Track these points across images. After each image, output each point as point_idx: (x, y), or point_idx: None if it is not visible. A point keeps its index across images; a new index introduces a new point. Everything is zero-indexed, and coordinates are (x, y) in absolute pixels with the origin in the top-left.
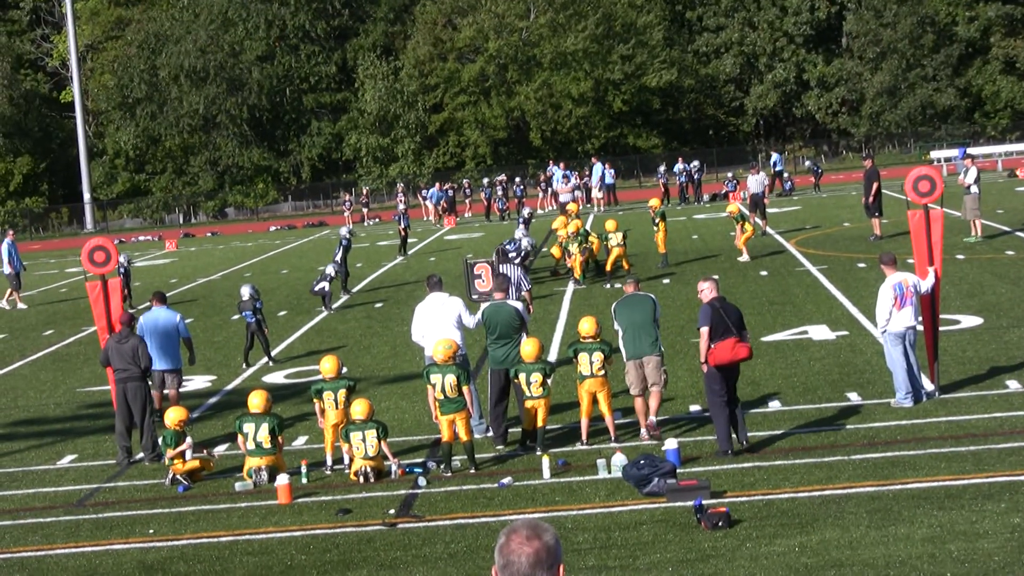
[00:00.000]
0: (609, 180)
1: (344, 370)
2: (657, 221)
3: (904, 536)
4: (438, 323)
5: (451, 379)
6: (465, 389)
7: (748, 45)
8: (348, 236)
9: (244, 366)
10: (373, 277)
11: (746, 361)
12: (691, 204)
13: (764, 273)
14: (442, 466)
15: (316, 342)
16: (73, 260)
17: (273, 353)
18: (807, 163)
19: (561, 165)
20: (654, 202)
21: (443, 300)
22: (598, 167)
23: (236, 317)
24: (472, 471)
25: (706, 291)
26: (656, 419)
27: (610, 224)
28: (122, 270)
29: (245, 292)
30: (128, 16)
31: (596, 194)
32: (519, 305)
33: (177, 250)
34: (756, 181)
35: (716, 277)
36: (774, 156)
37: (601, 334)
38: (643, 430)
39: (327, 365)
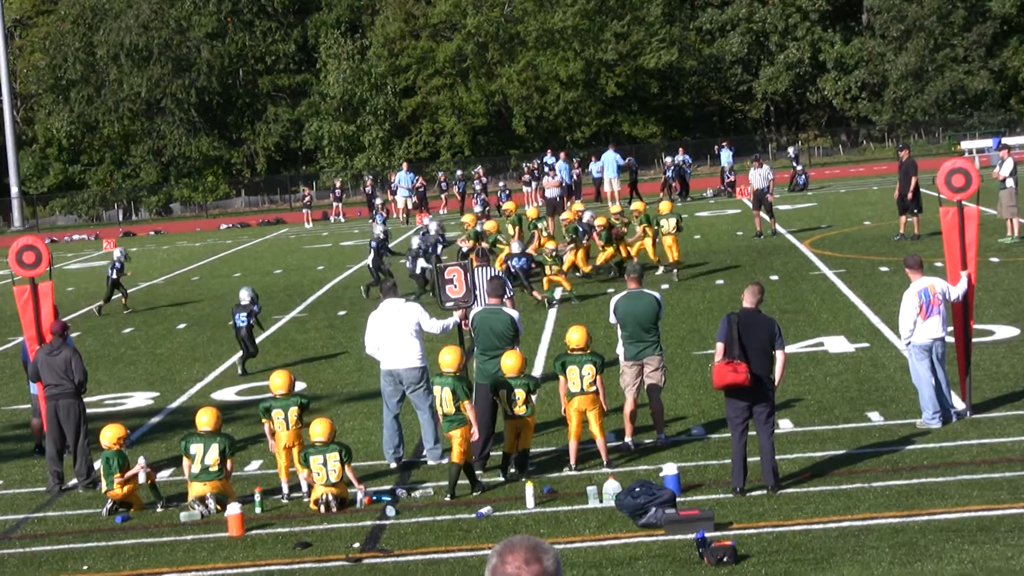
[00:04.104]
0: (566, 179)
1: (302, 387)
2: (642, 228)
3: (932, 573)
4: (394, 332)
5: (446, 393)
6: (464, 405)
7: (757, 22)
8: (383, 235)
9: (239, 373)
10: (336, 282)
11: (743, 387)
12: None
13: (775, 278)
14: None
15: (272, 354)
16: None
17: (222, 368)
18: (791, 151)
19: (562, 155)
20: (637, 205)
21: (399, 307)
22: (610, 155)
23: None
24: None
25: (743, 298)
26: (664, 435)
27: (664, 206)
28: (118, 264)
29: (245, 295)
30: None
31: (615, 187)
32: (515, 313)
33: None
34: (759, 175)
35: (759, 283)
36: (725, 152)
37: (592, 345)
38: (627, 439)
39: (277, 380)
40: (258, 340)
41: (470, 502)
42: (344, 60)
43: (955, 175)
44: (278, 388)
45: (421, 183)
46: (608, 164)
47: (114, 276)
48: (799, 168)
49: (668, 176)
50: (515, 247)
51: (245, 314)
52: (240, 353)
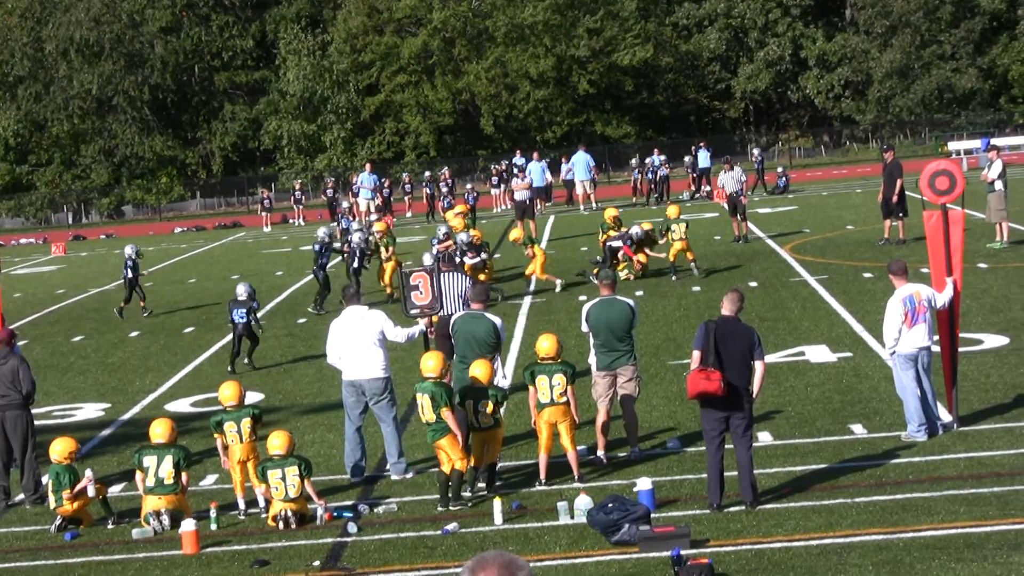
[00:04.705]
0: (540, 181)
1: (259, 397)
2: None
3: None
4: (357, 341)
5: (425, 400)
6: (444, 412)
7: (736, 17)
8: (327, 238)
9: (230, 369)
10: (295, 288)
11: (716, 397)
12: (649, 205)
13: (754, 284)
14: (439, 504)
15: (227, 363)
16: None
17: (176, 378)
18: (756, 152)
19: (535, 156)
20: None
21: (361, 314)
22: (581, 156)
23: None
24: (451, 507)
25: (723, 305)
26: (639, 448)
27: (672, 211)
28: (130, 263)
29: (242, 291)
30: None
31: (588, 189)
32: (497, 320)
33: (66, 255)
34: (732, 179)
35: (738, 289)
36: (703, 154)
37: (563, 354)
38: (600, 452)
39: (227, 392)
40: (213, 349)
41: (435, 518)
42: (304, 56)
43: (939, 177)
44: (228, 400)
45: (387, 185)
46: (579, 165)
47: (130, 275)
48: (779, 170)
49: (649, 178)
50: (426, 259)
51: (244, 310)
52: (234, 349)
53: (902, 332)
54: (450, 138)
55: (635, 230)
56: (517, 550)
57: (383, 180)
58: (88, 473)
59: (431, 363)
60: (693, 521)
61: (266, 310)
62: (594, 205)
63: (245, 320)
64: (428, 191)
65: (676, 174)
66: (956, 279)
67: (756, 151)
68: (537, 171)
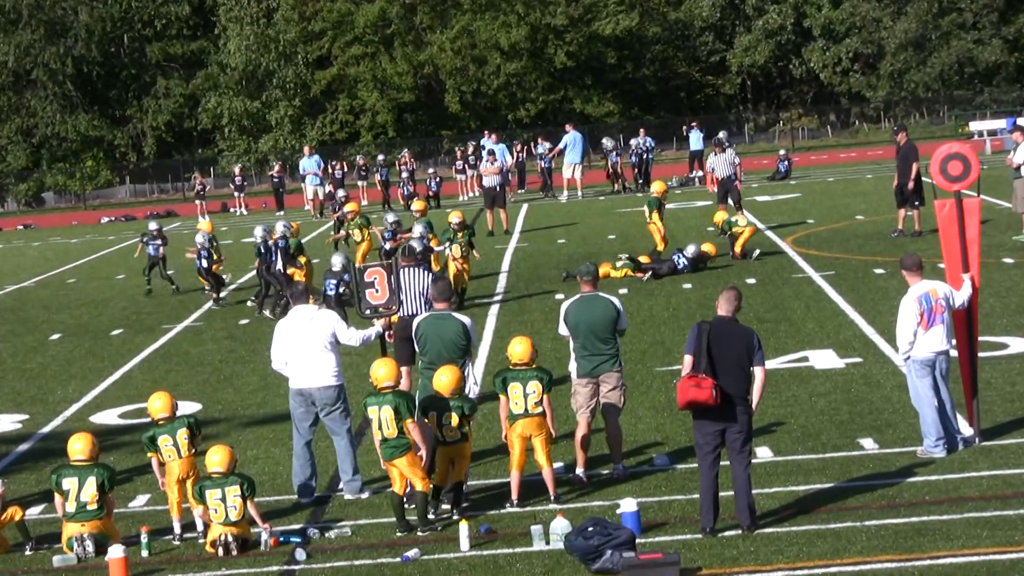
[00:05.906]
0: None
1: (197, 407)
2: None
3: None
4: (305, 345)
5: (387, 413)
6: (408, 424)
7: None
8: (267, 237)
9: None
10: (237, 285)
11: (708, 407)
12: (632, 192)
13: (752, 281)
14: (398, 529)
15: (162, 369)
16: None
17: (103, 387)
18: (721, 136)
19: (492, 137)
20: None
21: (311, 315)
22: (576, 136)
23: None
24: (420, 532)
25: (718, 305)
26: (623, 465)
27: (719, 216)
28: (205, 252)
29: (337, 260)
30: None
31: (576, 174)
32: (467, 320)
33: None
34: (723, 161)
35: (735, 287)
36: (695, 134)
37: (538, 359)
38: (579, 470)
39: (157, 404)
40: (144, 354)
41: (394, 543)
42: (247, 25)
43: (951, 162)
44: (159, 412)
45: (340, 168)
46: (575, 146)
47: (204, 265)
48: (780, 153)
49: (633, 161)
50: (418, 229)
51: (335, 281)
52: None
53: (917, 335)
54: (411, 117)
55: (691, 249)
56: None
57: (333, 164)
58: None
59: (383, 371)
60: (683, 547)
61: (203, 310)
62: (579, 194)
63: (335, 292)
64: (380, 177)
65: (663, 157)
66: (973, 275)
67: (723, 134)
68: (496, 154)
